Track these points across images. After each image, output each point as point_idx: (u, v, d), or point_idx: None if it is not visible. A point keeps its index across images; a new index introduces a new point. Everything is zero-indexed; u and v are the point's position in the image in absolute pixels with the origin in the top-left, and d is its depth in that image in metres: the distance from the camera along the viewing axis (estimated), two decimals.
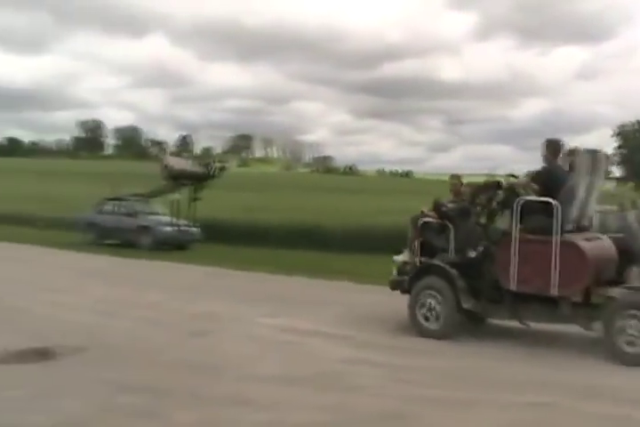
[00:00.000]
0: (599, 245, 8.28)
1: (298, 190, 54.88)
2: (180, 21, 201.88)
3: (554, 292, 7.92)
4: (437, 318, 8.83)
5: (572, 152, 8.37)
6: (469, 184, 9.57)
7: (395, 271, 9.61)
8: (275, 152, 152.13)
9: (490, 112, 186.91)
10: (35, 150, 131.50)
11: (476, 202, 8.96)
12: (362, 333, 9.03)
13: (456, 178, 9.89)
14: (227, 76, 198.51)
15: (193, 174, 22.83)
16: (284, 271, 16.11)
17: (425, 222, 9.29)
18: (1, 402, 5.43)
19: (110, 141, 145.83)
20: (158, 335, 8.53)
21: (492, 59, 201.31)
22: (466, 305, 8.67)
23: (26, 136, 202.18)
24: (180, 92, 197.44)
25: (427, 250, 9.25)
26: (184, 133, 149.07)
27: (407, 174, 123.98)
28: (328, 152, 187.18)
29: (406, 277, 9.26)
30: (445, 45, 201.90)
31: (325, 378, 6.58)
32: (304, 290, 13.32)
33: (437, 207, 9.36)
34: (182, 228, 22.47)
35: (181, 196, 22.74)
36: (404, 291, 9.28)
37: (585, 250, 7.87)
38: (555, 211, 7.95)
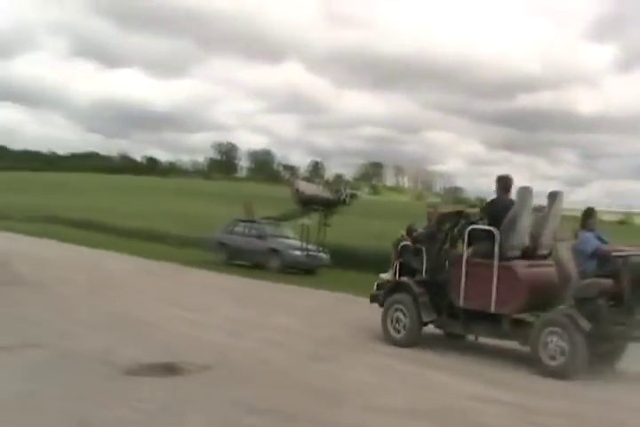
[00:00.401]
0: (540, 271, 9.48)
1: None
2: (316, 48, 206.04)
3: (493, 309, 9.30)
4: (403, 329, 10.30)
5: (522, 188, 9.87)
6: (440, 212, 10.77)
7: (375, 287, 11.17)
8: (405, 181, 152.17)
9: (629, 146, 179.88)
10: (171, 170, 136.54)
11: (441, 228, 10.35)
12: (490, 368, 8.83)
13: (431, 206, 11.33)
14: (361, 103, 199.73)
15: (323, 200, 23.04)
16: None
17: (404, 245, 10.85)
18: (129, 413, 5.60)
19: (243, 164, 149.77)
20: (282, 358, 8.61)
21: (632, 91, 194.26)
22: (426, 319, 10.21)
23: (164, 156, 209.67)
24: (313, 119, 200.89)
25: (406, 270, 10.75)
26: (316, 159, 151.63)
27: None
28: (459, 183, 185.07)
29: (382, 293, 10.83)
30: (583, 77, 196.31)
31: (451, 414, 6.43)
32: None
33: (409, 233, 11.03)
34: (311, 252, 22.65)
35: (311, 221, 22.97)
36: (380, 304, 10.76)
37: (520, 274, 9.23)
38: (495, 238, 9.40)
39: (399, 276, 10.75)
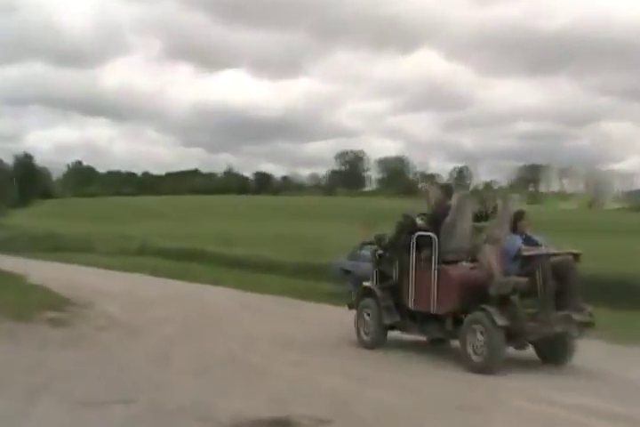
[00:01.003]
0: (475, 274, 11.70)
1: (605, 233, 52.93)
2: (456, 32, 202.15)
3: (433, 310, 12.07)
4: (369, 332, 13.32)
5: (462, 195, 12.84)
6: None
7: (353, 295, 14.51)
8: (573, 185, 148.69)
9: None
10: (286, 186, 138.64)
11: (400, 237, 12.89)
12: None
13: (404, 217, 13.27)
14: (513, 93, 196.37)
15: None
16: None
17: (381, 254, 13.63)
18: None
19: (373, 175, 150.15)
20: (419, 407, 8.53)
21: None
22: (386, 321, 12.98)
23: (277, 171, 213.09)
24: (455, 116, 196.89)
25: (383, 277, 13.42)
26: (460, 165, 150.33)
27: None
28: None
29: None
30: None
31: None
32: (608, 359, 12.55)
33: (377, 241, 13.94)
34: None
35: None
36: (355, 309, 13.82)
37: (452, 276, 11.87)
38: (433, 244, 12.15)
39: (378, 283, 13.50)
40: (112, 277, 28.14)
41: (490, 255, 11.59)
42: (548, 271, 11.08)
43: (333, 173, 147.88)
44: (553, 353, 11.71)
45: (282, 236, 45.84)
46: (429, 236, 12.24)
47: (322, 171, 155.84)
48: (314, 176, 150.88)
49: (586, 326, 11.24)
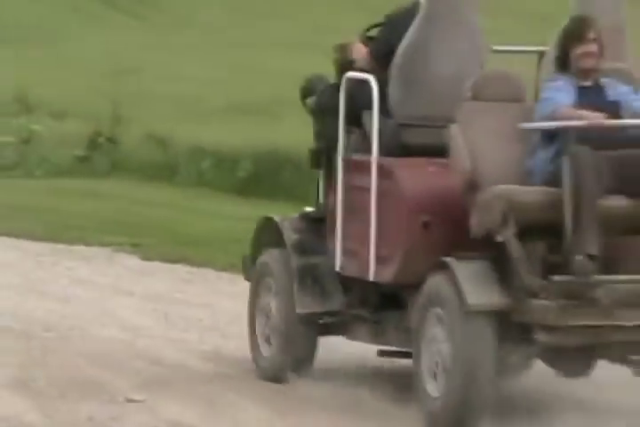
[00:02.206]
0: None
1: None
2: None
3: (371, 275, 5.57)
4: None
5: None
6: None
7: None
8: None
9: None
10: None
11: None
12: None
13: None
14: None
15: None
16: None
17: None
18: None
19: None
20: None
21: None
22: (301, 309, 5.80)
23: None
24: None
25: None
26: None
27: None
28: None
29: None
30: None
31: None
32: None
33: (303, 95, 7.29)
34: None
35: None
36: None
37: (408, 190, 5.40)
38: (372, 98, 5.58)
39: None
40: None
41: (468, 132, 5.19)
42: (588, 173, 4.78)
43: None
44: None
45: None
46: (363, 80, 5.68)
47: None
48: None
49: None
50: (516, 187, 4.89)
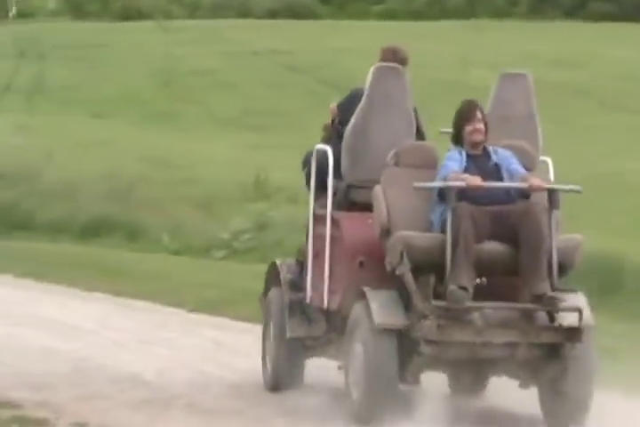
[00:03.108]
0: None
1: None
2: None
3: (325, 303, 6.88)
4: None
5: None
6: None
7: None
8: None
9: None
10: None
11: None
12: None
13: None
14: None
15: None
16: None
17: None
18: None
19: None
20: None
21: None
22: (291, 334, 7.37)
23: None
24: None
25: None
26: None
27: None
28: None
29: None
30: None
31: None
32: None
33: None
34: None
35: None
36: None
37: (346, 234, 6.75)
38: (329, 163, 6.95)
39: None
40: None
41: (387, 191, 6.54)
42: (466, 223, 6.12)
43: None
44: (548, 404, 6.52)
45: None
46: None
47: None
48: None
49: (568, 335, 6.24)
50: (413, 233, 6.17)
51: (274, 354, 7.53)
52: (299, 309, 7.30)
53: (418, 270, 6.12)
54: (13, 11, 70.30)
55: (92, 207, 20.61)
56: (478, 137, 6.41)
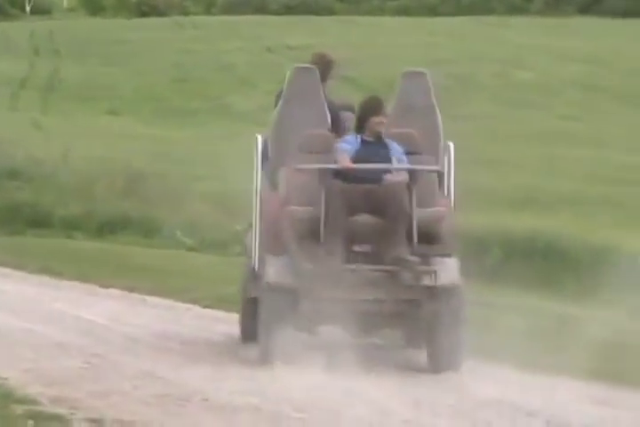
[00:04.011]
0: None
1: None
2: None
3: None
4: None
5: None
6: None
7: None
8: None
9: None
10: None
11: None
12: None
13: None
14: None
15: None
16: None
17: None
18: None
19: None
20: None
21: None
22: (253, 293, 8.86)
23: None
24: None
25: None
26: None
27: None
28: None
29: None
30: None
31: None
32: None
33: None
34: None
35: None
36: None
37: (265, 208, 8.13)
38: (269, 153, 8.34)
39: None
40: None
41: (288, 173, 7.88)
42: (336, 199, 7.45)
43: None
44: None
45: None
46: None
47: None
48: None
49: (426, 293, 7.46)
50: (298, 208, 7.51)
51: (241, 313, 8.74)
52: (253, 273, 8.24)
53: (301, 239, 7.40)
54: (29, 7, 70.93)
55: (108, 204, 20.78)
56: (381, 128, 7.78)
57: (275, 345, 7.27)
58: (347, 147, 7.69)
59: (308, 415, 5.87)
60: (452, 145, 8.25)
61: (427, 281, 7.40)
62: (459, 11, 56.59)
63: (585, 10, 57.06)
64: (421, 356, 7.85)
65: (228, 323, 10.05)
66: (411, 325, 7.79)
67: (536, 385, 7.14)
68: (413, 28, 44.30)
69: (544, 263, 15.39)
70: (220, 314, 10.75)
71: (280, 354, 7.20)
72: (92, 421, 5.35)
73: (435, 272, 7.36)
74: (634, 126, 26.27)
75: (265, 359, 7.34)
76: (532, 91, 33.51)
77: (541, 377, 7.39)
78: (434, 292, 7.41)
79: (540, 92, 32.98)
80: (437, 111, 8.36)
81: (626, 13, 52.92)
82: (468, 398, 6.62)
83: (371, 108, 7.84)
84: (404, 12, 58.54)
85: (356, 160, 7.62)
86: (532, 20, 52.30)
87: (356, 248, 7.56)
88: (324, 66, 8.59)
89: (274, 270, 7.44)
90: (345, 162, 7.55)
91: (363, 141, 7.74)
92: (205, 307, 11.16)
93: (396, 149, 7.76)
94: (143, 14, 59.68)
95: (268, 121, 8.53)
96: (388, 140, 7.80)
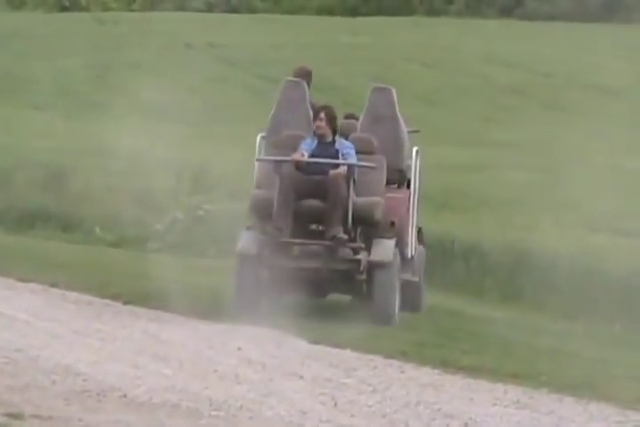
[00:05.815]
0: None
1: None
2: None
3: None
4: None
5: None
6: None
7: None
8: None
9: None
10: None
11: None
12: None
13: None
14: None
15: None
16: None
17: None
18: None
19: None
20: None
21: None
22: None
23: None
24: None
25: None
26: None
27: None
28: None
29: None
30: None
31: None
32: None
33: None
34: None
35: None
36: None
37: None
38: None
39: None
40: None
41: (262, 164, 10.12)
42: (287, 185, 9.35)
43: None
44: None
45: None
46: None
47: None
48: None
49: (353, 265, 9.41)
50: (259, 191, 9.73)
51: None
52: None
53: (261, 217, 9.52)
54: None
55: (28, 198, 20.44)
56: (319, 131, 9.69)
57: (243, 305, 9.22)
58: (304, 146, 9.60)
59: (225, 413, 5.92)
60: (415, 150, 10.27)
61: (359, 256, 9.28)
62: (380, 11, 56.52)
63: (506, 12, 56.95)
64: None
65: (148, 319, 10.03)
66: (351, 290, 9.76)
67: (455, 387, 7.29)
68: (335, 27, 44.34)
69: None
70: (141, 310, 10.68)
71: (247, 313, 8.96)
72: (11, 415, 5.31)
73: (362, 248, 9.33)
74: (553, 130, 26.64)
75: (236, 317, 8.97)
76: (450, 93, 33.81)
77: (460, 379, 7.52)
78: (357, 265, 9.27)
79: (458, 95, 33.29)
80: (401, 121, 10.18)
81: (548, 17, 52.85)
82: (386, 400, 6.69)
83: (314, 115, 9.81)
84: (326, 11, 58.36)
85: (310, 157, 9.55)
86: (452, 21, 52.43)
87: (312, 227, 9.62)
88: (307, 76, 10.49)
89: (242, 242, 9.39)
90: (296, 156, 9.44)
91: (318, 143, 9.72)
92: (126, 303, 11.04)
93: (345, 147, 9.65)
94: (64, 9, 58.57)
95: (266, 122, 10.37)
96: (341, 141, 9.74)
